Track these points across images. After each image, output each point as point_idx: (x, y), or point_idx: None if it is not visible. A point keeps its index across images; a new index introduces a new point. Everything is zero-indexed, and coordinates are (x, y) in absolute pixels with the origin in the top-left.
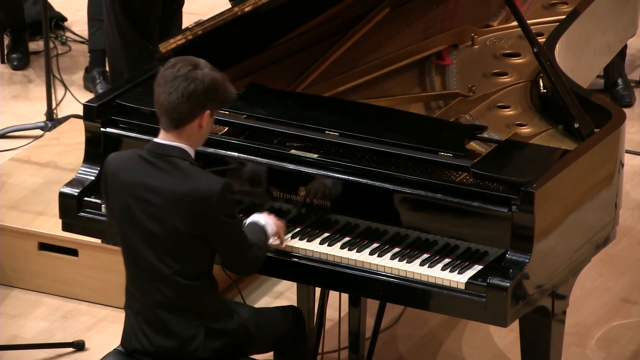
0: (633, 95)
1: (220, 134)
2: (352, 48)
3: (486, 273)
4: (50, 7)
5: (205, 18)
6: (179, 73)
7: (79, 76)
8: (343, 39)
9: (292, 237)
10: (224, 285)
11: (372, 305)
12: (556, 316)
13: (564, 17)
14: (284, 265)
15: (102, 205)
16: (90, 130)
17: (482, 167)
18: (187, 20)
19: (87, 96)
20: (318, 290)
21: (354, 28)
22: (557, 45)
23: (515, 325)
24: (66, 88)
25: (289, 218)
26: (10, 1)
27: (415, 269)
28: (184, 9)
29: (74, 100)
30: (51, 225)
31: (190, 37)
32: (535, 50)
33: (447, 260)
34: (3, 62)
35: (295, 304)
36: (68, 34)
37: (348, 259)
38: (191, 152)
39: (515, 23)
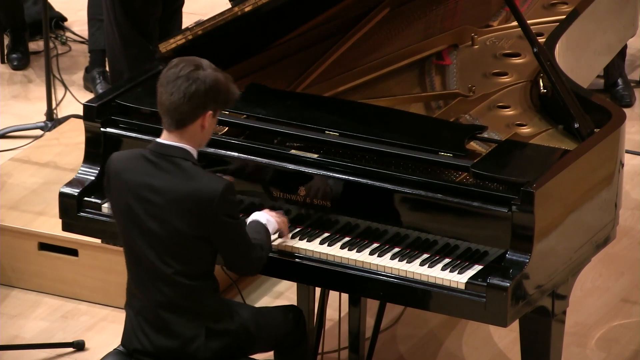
0: (633, 95)
1: (220, 134)
2: (352, 48)
3: (486, 273)
4: (50, 7)
5: (205, 18)
6: (181, 73)
7: (79, 76)
8: (343, 39)
9: (292, 237)
10: (224, 285)
11: (372, 305)
12: (556, 316)
13: (564, 17)
14: (284, 265)
15: (102, 205)
16: (90, 130)
17: (482, 167)
18: (187, 20)
19: (87, 96)
20: (318, 290)
21: (354, 28)
22: (557, 45)
23: (515, 325)
24: (66, 88)
25: (289, 218)
26: (10, 1)
27: (415, 269)
28: (184, 9)
29: (74, 100)
30: (51, 225)
31: (190, 37)
32: (535, 50)
33: (447, 260)
34: (3, 62)
35: (295, 304)
36: (68, 34)
37: (348, 259)
38: (194, 152)
39: (515, 23)
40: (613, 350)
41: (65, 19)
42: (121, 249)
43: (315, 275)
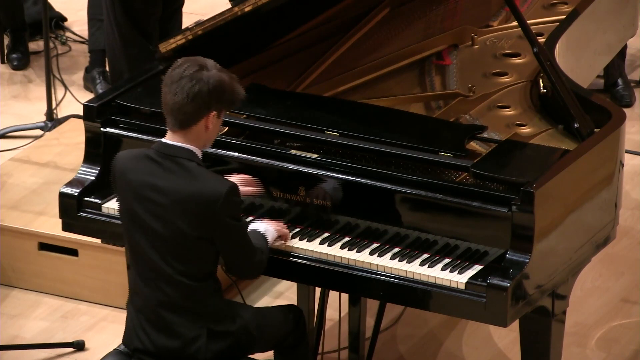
0: (633, 95)
1: (220, 134)
2: (352, 48)
3: (486, 273)
4: (50, 7)
5: (205, 18)
6: (185, 73)
7: (79, 76)
8: (343, 39)
9: (292, 237)
10: (224, 285)
11: (372, 305)
12: (556, 316)
13: (564, 17)
14: (284, 265)
15: (102, 205)
16: (90, 130)
17: (482, 167)
18: (187, 20)
19: (87, 96)
20: (318, 290)
21: (354, 28)
22: (557, 45)
23: (515, 325)
24: (66, 88)
25: (289, 218)
26: (10, 1)
27: (415, 269)
28: (184, 9)
29: (74, 100)
30: (51, 225)
31: (190, 37)
32: (535, 50)
33: (447, 260)
34: (3, 62)
35: (295, 304)
36: (68, 34)
37: (348, 259)
38: (198, 153)
39: (515, 23)
40: (613, 350)
41: (65, 19)
42: (121, 249)
43: (315, 275)
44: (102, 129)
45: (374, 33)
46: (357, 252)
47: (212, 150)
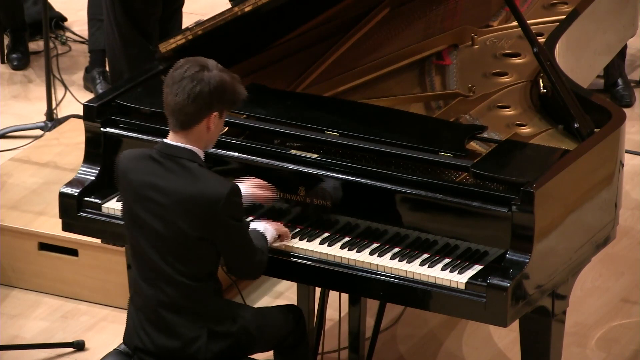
0: (633, 95)
1: (220, 134)
2: (352, 48)
3: (486, 273)
4: (50, 7)
5: (205, 18)
6: (186, 74)
7: (79, 76)
8: (343, 39)
9: (292, 237)
10: (224, 285)
11: (372, 305)
12: (556, 316)
13: (564, 17)
14: (284, 265)
15: (102, 205)
16: (90, 130)
17: (482, 167)
18: (187, 20)
19: (87, 96)
20: (318, 290)
21: (354, 28)
22: (557, 45)
23: (515, 325)
24: (66, 88)
25: (289, 218)
26: (10, 1)
27: (415, 269)
28: (184, 9)
29: (74, 100)
30: (51, 225)
31: (190, 37)
32: (535, 50)
33: (447, 260)
34: (3, 62)
35: (295, 304)
36: (68, 34)
37: (348, 259)
38: (200, 153)
39: (515, 23)
40: (613, 350)
41: (65, 19)
42: (121, 249)
43: (315, 275)
44: (102, 129)
45: (374, 33)
46: (357, 252)
47: (212, 150)
